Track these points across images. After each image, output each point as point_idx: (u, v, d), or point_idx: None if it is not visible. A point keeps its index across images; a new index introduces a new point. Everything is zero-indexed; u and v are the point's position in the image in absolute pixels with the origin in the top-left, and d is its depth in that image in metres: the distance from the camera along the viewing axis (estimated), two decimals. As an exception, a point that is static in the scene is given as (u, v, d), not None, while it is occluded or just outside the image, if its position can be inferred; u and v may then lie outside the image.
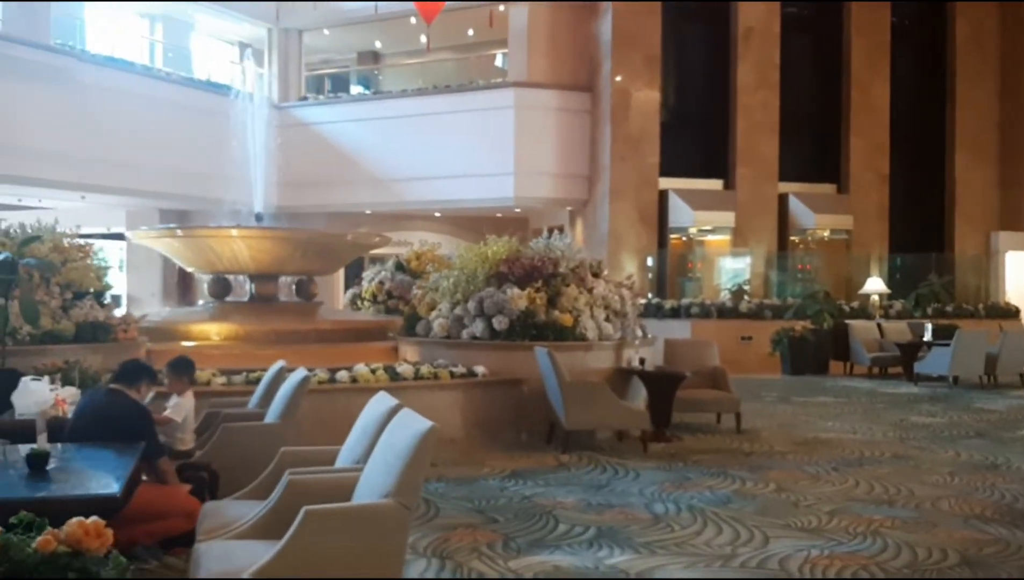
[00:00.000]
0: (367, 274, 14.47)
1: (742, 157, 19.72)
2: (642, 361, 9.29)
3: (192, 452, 5.74)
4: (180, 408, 5.80)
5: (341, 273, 21.12)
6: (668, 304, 17.97)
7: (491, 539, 5.47)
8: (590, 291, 9.61)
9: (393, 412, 4.13)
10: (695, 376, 9.66)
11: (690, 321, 17.33)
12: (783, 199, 19.96)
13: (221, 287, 11.44)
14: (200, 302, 11.59)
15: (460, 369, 8.91)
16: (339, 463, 4.48)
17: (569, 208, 21.03)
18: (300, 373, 5.95)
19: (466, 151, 19.70)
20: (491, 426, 8.82)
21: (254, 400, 6.60)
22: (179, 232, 11.14)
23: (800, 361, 16.29)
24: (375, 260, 17.21)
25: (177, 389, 5.93)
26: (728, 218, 19.50)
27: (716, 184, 19.97)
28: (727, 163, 19.94)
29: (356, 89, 25.70)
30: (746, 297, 18.27)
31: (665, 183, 19.44)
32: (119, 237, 19.34)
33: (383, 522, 3.48)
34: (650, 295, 18.79)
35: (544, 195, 20.12)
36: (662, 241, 19.59)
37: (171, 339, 10.18)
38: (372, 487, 3.66)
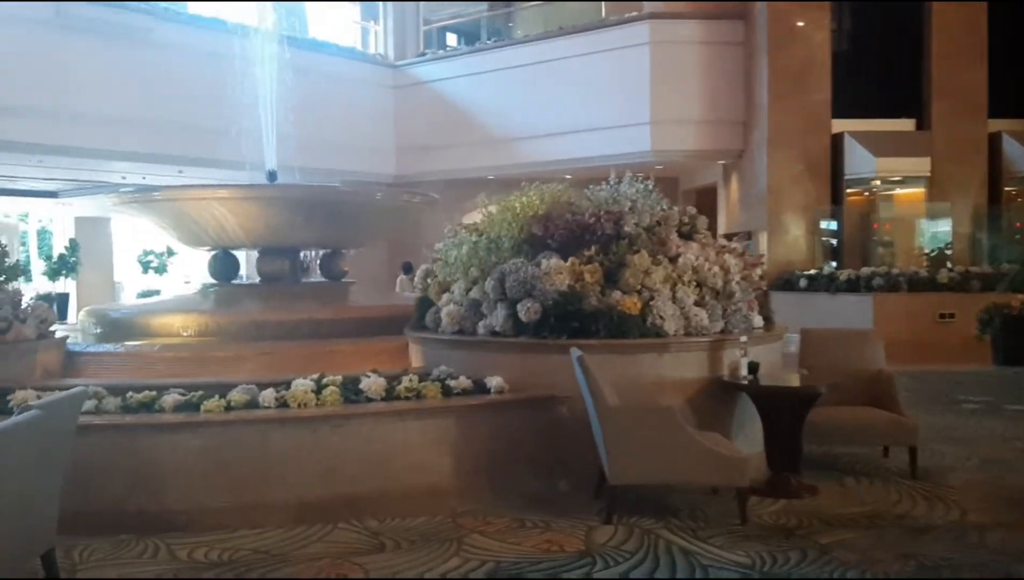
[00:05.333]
0: (438, 246, 11.64)
1: (939, 90, 16.01)
2: (753, 368, 5.97)
3: None
4: None
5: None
6: (843, 275, 14.36)
7: None
8: (672, 261, 6.34)
9: None
10: (844, 389, 6.24)
11: (871, 296, 13.76)
12: (995, 139, 16.02)
13: (222, 265, 8.95)
14: (200, 284, 9.12)
15: (464, 381, 5.88)
16: None
17: (721, 162, 17.60)
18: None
19: (596, 101, 17.14)
20: (506, 469, 5.73)
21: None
22: (157, 195, 8.60)
23: (1018, 347, 12.43)
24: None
25: None
26: (921, 165, 15.90)
27: (906, 124, 16.44)
28: (920, 98, 16.31)
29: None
30: (947, 264, 14.40)
31: (839, 125, 16.14)
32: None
33: None
34: (832, 264, 15.33)
35: (687, 147, 16.89)
36: (836, 197, 16.04)
37: (127, 337, 7.70)
38: None
